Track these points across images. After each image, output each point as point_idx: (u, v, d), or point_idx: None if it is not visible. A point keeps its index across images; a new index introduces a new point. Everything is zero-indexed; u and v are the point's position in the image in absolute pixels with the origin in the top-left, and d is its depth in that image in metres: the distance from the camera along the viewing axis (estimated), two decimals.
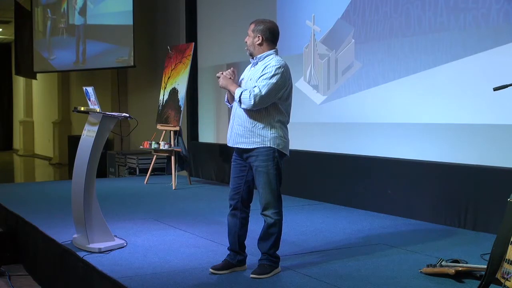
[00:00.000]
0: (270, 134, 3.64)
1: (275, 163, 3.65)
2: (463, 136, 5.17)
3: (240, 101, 3.64)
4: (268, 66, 3.65)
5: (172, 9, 10.29)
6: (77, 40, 11.40)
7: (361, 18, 6.15)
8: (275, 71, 3.60)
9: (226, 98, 3.93)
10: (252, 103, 3.58)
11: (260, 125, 3.64)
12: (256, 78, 3.66)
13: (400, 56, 5.72)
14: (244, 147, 3.69)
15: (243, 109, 3.67)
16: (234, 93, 3.68)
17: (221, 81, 3.76)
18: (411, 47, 5.59)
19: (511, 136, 4.78)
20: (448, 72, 5.26)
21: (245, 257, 3.84)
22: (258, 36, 3.71)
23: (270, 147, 3.64)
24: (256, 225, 3.93)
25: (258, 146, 3.64)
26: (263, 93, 3.56)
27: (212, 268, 3.77)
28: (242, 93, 3.62)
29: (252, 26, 3.77)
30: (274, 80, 3.58)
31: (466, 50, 5.10)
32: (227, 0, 8.69)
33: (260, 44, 3.72)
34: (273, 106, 3.64)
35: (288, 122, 3.78)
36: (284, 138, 3.70)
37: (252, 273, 3.68)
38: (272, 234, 3.70)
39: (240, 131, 3.70)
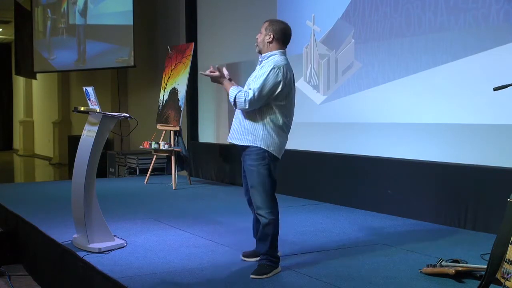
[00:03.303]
0: (262, 134, 3.67)
1: (266, 163, 3.67)
2: (463, 136, 5.17)
3: (234, 102, 3.67)
4: (265, 66, 3.68)
5: (172, 9, 10.29)
6: (77, 40, 11.40)
7: (361, 18, 6.15)
8: (269, 71, 3.62)
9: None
10: (247, 106, 3.63)
11: (253, 124, 3.69)
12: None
13: (400, 56, 5.72)
14: (237, 143, 3.76)
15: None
16: (229, 92, 3.71)
17: (212, 78, 3.82)
18: (411, 47, 5.59)
19: (511, 136, 4.78)
20: (448, 72, 5.26)
21: None
22: (270, 35, 3.75)
23: (261, 147, 3.67)
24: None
25: (250, 145, 3.69)
26: (256, 95, 3.60)
27: (243, 255, 4.01)
28: (237, 95, 3.64)
29: (266, 24, 3.79)
30: (266, 81, 3.60)
31: (466, 50, 5.10)
32: (227, 0, 8.69)
33: (269, 42, 3.75)
34: (267, 106, 3.65)
35: (286, 124, 3.75)
36: (276, 140, 3.70)
37: (252, 274, 3.67)
38: (268, 235, 3.70)
39: (236, 127, 3.77)
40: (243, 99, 3.61)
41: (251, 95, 3.59)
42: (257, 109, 3.66)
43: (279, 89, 3.63)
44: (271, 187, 3.69)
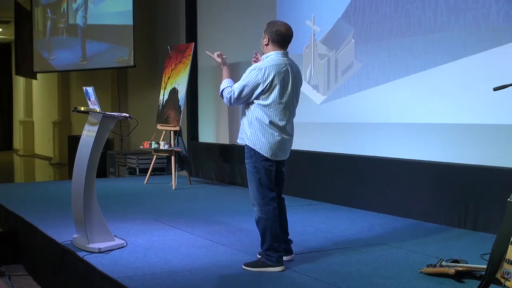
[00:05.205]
0: (249, 132, 3.78)
1: (253, 161, 3.78)
2: (463, 136, 5.17)
3: (221, 94, 3.87)
4: (250, 67, 3.78)
5: (172, 9, 10.29)
6: (77, 40, 11.40)
7: (361, 18, 6.15)
8: (248, 72, 3.74)
9: None
10: (228, 104, 3.83)
11: (244, 123, 3.83)
12: None
13: (400, 56, 5.72)
14: (239, 142, 3.91)
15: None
16: (222, 83, 3.90)
17: (219, 60, 4.01)
18: (411, 47, 5.59)
19: (511, 136, 4.78)
20: (448, 72, 5.26)
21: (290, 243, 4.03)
22: (266, 37, 3.83)
23: (249, 146, 3.79)
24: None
25: (244, 143, 3.83)
26: (235, 95, 3.76)
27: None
28: (225, 89, 3.84)
29: (265, 27, 3.88)
30: (245, 81, 3.72)
31: (466, 50, 5.10)
32: (227, 0, 8.69)
33: (266, 45, 3.84)
34: (253, 105, 3.75)
35: (276, 123, 3.74)
36: (263, 139, 3.73)
37: (244, 264, 3.84)
38: (259, 231, 3.82)
39: (240, 127, 3.90)
40: (225, 95, 3.81)
41: (231, 94, 3.77)
42: (246, 109, 3.80)
43: (258, 89, 3.70)
44: (259, 185, 3.76)
